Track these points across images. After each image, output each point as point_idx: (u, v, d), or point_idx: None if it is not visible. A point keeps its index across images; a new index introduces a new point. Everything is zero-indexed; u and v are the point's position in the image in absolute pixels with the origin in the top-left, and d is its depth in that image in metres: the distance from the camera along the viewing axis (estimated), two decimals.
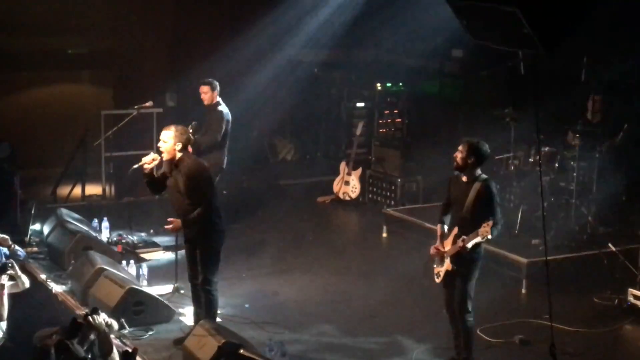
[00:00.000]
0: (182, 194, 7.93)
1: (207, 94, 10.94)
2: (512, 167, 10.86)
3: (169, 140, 7.91)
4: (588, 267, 9.90)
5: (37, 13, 13.83)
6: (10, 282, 8.17)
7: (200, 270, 8.10)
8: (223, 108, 10.98)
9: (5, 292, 8.17)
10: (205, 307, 8.18)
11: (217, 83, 11.05)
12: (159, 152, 8.02)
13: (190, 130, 10.27)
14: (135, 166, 8.25)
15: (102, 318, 7.20)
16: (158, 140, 8.14)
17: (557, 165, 10.66)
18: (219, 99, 11.01)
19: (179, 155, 7.94)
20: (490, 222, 7.16)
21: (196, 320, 8.16)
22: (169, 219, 8.11)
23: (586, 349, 8.32)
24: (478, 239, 7.31)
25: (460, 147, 7.48)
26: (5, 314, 8.13)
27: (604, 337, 8.64)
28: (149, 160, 8.03)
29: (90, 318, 7.04)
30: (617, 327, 8.83)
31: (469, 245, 7.34)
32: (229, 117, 10.97)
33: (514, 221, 10.53)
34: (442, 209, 7.80)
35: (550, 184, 10.61)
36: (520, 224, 10.52)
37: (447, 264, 7.53)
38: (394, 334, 8.60)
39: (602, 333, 8.69)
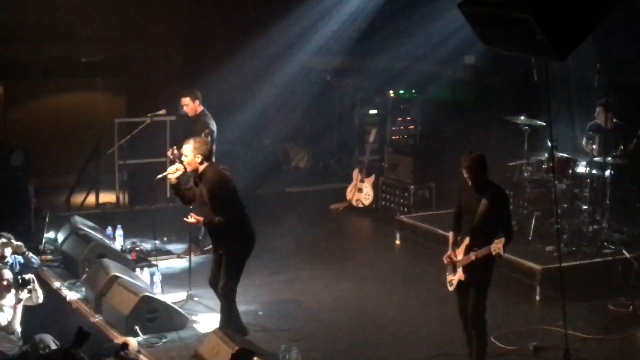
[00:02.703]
0: (208, 206, 8.06)
1: (189, 105, 10.68)
2: (526, 174, 10.83)
3: (189, 153, 8.10)
4: (602, 274, 9.86)
5: (51, 22, 13.91)
6: (27, 296, 8.21)
7: (222, 275, 8.19)
8: (208, 119, 10.68)
9: (21, 305, 8.21)
10: (221, 313, 8.22)
11: (199, 92, 10.78)
12: (182, 163, 8.19)
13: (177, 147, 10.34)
14: (160, 176, 8.48)
15: (132, 349, 7.34)
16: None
17: (570, 171, 10.62)
18: (202, 108, 10.74)
19: (202, 167, 8.09)
20: (503, 240, 7.14)
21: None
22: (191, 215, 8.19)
23: (601, 356, 8.28)
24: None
25: (463, 172, 7.45)
26: (17, 327, 8.14)
27: (619, 344, 8.59)
28: (173, 171, 8.22)
29: (123, 354, 7.17)
30: (632, 334, 8.78)
31: (480, 255, 7.33)
32: (214, 127, 10.67)
33: (528, 228, 10.50)
34: (454, 218, 7.78)
35: (564, 190, 10.58)
36: (534, 231, 10.49)
37: (460, 274, 7.51)
38: (407, 341, 8.59)
39: (617, 340, 8.64)
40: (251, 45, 14.21)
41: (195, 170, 8.14)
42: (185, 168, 8.21)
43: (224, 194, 8.09)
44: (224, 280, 8.18)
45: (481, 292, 7.47)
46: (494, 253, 7.19)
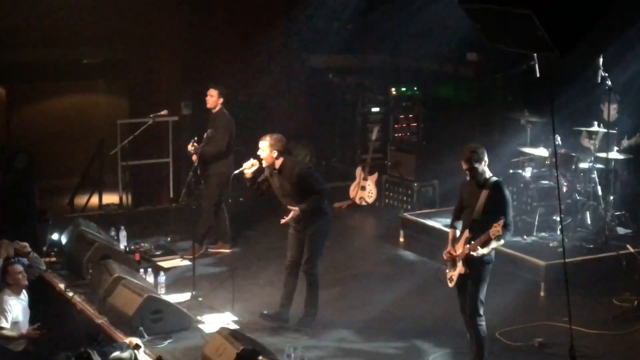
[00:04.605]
0: (292, 196, 8.48)
1: (213, 97, 10.85)
2: (529, 170, 10.82)
3: (265, 149, 8.51)
4: (607, 269, 9.85)
5: (52, 25, 13.91)
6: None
7: (306, 251, 8.55)
8: (227, 116, 10.87)
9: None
10: (307, 290, 8.66)
11: (225, 91, 10.99)
12: (258, 158, 8.55)
13: (197, 140, 10.45)
14: (237, 172, 8.81)
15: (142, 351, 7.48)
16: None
17: (573, 166, 10.62)
18: (222, 106, 10.88)
19: (278, 161, 8.49)
20: (502, 222, 7.15)
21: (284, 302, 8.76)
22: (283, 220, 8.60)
23: (606, 351, 8.28)
24: (493, 245, 7.30)
25: (463, 165, 7.52)
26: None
27: (624, 339, 8.59)
28: (249, 166, 8.61)
29: (136, 352, 7.32)
30: (636, 329, 8.77)
31: (479, 251, 7.31)
32: (233, 125, 10.89)
33: (532, 224, 10.50)
34: (454, 214, 7.81)
35: (567, 185, 10.57)
36: (538, 227, 10.48)
37: (460, 268, 7.51)
38: (412, 338, 8.59)
39: (622, 335, 8.64)
40: (252, 45, 14.22)
41: (272, 164, 8.51)
42: (260, 163, 8.57)
43: (311, 177, 8.53)
44: (308, 255, 8.55)
45: (479, 286, 7.48)
46: (493, 237, 7.20)
